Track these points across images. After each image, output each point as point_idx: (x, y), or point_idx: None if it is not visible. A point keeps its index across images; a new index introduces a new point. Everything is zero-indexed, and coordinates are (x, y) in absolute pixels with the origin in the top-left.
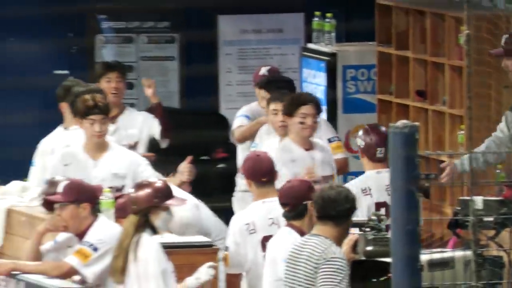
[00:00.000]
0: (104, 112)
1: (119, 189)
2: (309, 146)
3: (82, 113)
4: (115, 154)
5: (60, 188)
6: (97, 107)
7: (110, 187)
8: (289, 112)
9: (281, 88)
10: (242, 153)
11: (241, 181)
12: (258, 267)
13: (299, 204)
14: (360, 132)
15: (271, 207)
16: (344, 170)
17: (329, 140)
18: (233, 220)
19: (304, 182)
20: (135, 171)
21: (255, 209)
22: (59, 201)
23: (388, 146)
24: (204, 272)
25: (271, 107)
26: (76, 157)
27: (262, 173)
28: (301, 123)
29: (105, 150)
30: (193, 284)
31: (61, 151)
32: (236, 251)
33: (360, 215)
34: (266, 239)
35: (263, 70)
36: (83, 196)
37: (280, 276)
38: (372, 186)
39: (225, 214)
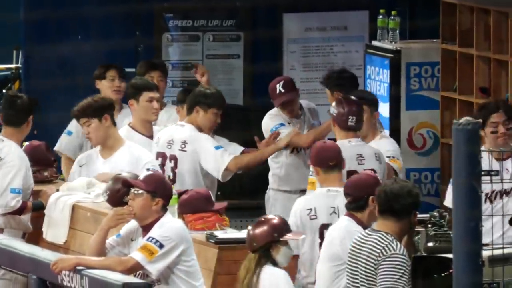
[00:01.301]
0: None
1: None
2: (499, 155)
3: None
4: (123, 152)
5: (142, 176)
6: None
7: None
8: None
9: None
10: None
11: (271, 179)
12: (314, 253)
13: (361, 197)
14: (334, 103)
15: (335, 197)
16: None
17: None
18: (297, 203)
19: (372, 177)
20: (137, 168)
21: (319, 196)
22: (138, 187)
23: (360, 116)
24: None
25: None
26: (90, 157)
27: (329, 157)
28: (493, 132)
29: (116, 149)
30: None
31: (80, 155)
32: None
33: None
34: (324, 226)
35: (278, 88)
36: (161, 191)
37: (336, 254)
38: (344, 155)
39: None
